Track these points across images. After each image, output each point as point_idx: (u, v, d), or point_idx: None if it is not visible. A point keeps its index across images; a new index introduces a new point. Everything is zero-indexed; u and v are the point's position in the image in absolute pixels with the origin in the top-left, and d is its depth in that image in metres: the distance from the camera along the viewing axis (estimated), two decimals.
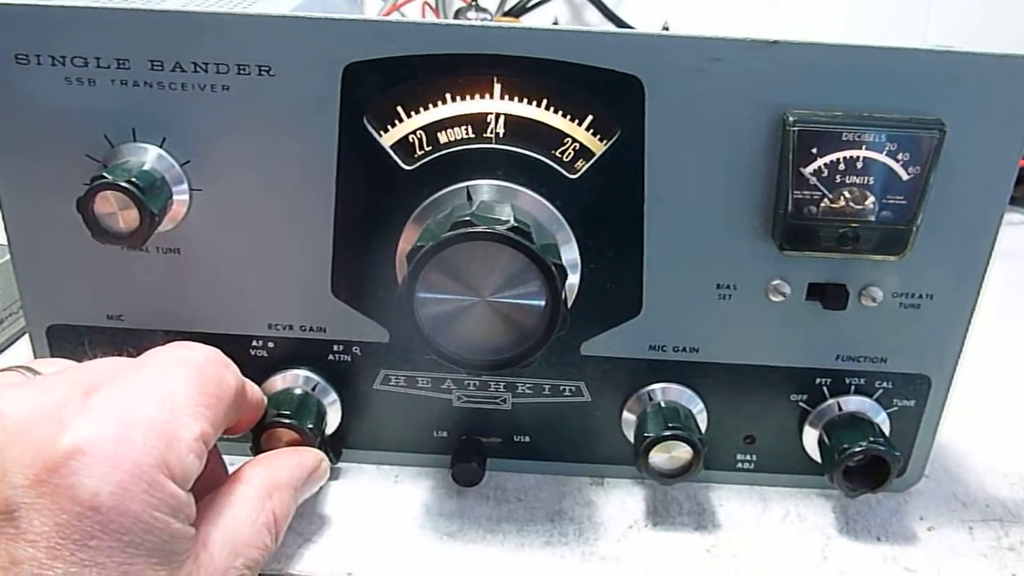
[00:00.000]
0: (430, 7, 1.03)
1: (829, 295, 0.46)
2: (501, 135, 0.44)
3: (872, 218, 0.44)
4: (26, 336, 0.63)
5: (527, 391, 0.50)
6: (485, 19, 0.90)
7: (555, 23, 0.96)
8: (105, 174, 0.42)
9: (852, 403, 0.49)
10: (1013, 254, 0.80)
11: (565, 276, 0.41)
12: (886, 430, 0.49)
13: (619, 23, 1.07)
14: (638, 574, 0.46)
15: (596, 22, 1.10)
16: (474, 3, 0.92)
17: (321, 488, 0.50)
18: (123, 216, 0.42)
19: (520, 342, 0.42)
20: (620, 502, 0.51)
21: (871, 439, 0.47)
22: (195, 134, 0.44)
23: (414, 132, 0.44)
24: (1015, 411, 0.62)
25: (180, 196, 0.45)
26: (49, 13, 0.42)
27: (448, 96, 0.43)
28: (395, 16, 0.97)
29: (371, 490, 0.51)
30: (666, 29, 0.85)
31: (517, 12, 1.03)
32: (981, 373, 0.59)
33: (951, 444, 0.57)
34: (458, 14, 0.94)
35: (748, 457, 0.52)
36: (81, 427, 0.33)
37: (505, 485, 0.52)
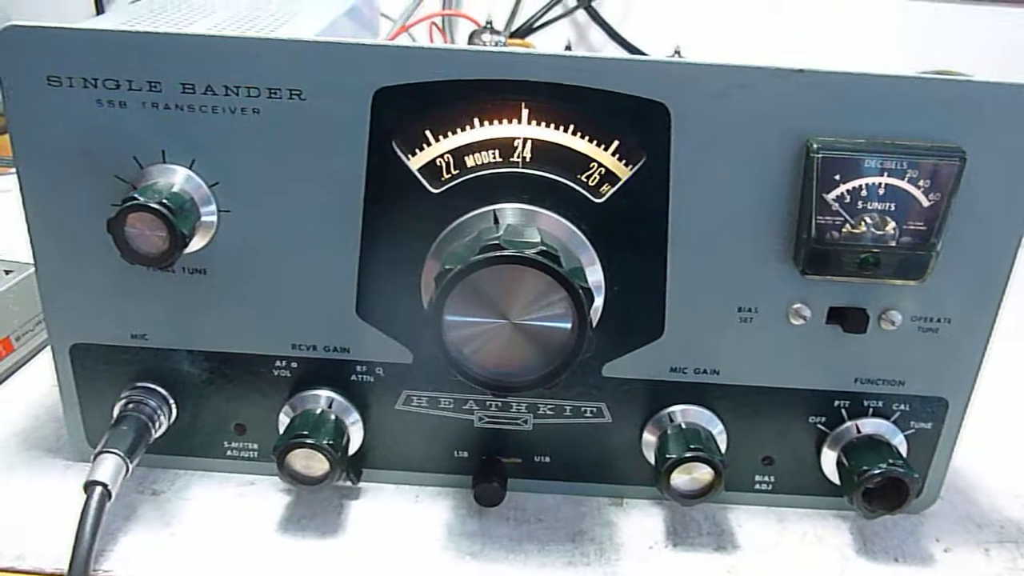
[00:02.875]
0: (437, 28, 1.04)
1: (849, 319, 0.47)
2: (528, 159, 0.44)
3: (893, 243, 0.44)
4: (43, 352, 0.63)
5: (548, 412, 0.51)
6: (499, 41, 0.91)
7: (568, 47, 0.97)
8: (136, 195, 0.42)
9: (870, 425, 0.50)
10: None
11: (592, 299, 0.41)
12: (903, 452, 0.50)
13: (622, 42, 1.09)
14: None
15: (600, 41, 1.12)
16: (489, 25, 0.93)
17: (342, 508, 0.50)
18: (153, 237, 0.42)
19: (546, 364, 0.43)
20: (640, 523, 0.51)
21: (890, 461, 0.47)
22: (224, 156, 0.44)
23: (442, 156, 0.44)
24: None
25: (208, 217, 0.45)
26: (81, 36, 0.42)
27: (476, 121, 0.44)
28: (406, 39, 0.98)
29: (392, 510, 0.51)
30: (677, 52, 0.86)
31: (524, 33, 1.04)
32: (991, 393, 0.60)
33: (963, 464, 0.57)
34: (472, 36, 0.94)
35: (766, 478, 0.52)
36: None
37: (525, 505, 0.52)
